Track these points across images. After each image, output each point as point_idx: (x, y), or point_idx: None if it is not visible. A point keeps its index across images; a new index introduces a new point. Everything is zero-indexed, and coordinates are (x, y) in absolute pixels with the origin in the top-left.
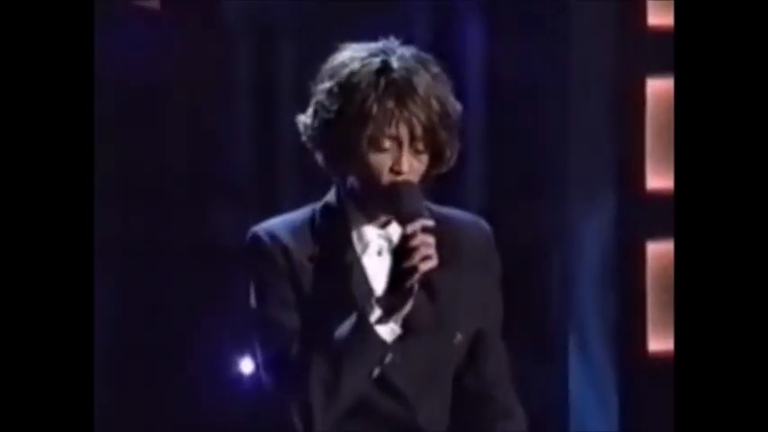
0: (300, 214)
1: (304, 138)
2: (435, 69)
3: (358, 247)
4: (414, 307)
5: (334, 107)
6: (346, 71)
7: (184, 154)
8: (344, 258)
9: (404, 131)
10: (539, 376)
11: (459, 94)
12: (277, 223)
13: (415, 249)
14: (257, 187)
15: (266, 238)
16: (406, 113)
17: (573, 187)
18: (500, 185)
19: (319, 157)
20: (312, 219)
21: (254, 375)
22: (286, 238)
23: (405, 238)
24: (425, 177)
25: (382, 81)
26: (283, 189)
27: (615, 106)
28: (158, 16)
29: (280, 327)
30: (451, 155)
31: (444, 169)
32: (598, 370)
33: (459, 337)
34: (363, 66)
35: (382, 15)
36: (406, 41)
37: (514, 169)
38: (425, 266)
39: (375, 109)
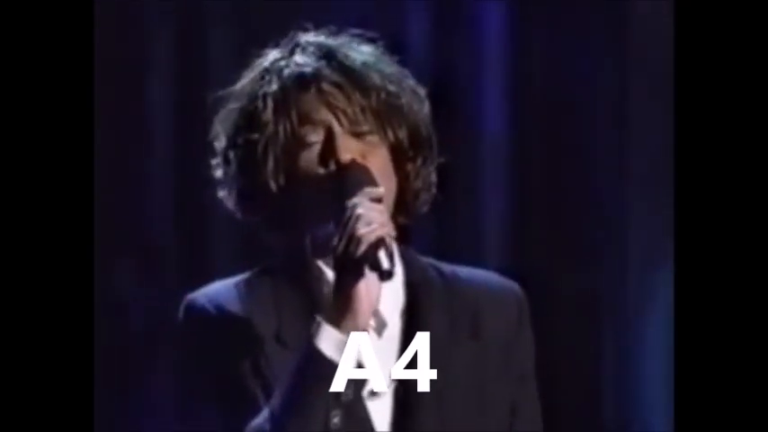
0: (254, 276)
1: (230, 203)
2: (368, 48)
3: None
4: (417, 411)
5: (233, 128)
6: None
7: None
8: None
9: (327, 113)
10: None
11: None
12: (220, 290)
13: (356, 219)
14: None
15: (210, 308)
16: (325, 86)
17: (632, 239)
18: (537, 238)
19: (251, 214)
20: (273, 282)
21: None
22: (237, 307)
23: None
24: (403, 188)
25: (284, 64)
26: (219, 250)
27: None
28: None
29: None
30: (417, 151)
31: (420, 170)
32: None
33: None
34: (266, 61)
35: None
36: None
37: (554, 216)
38: (373, 234)
39: (270, 101)
